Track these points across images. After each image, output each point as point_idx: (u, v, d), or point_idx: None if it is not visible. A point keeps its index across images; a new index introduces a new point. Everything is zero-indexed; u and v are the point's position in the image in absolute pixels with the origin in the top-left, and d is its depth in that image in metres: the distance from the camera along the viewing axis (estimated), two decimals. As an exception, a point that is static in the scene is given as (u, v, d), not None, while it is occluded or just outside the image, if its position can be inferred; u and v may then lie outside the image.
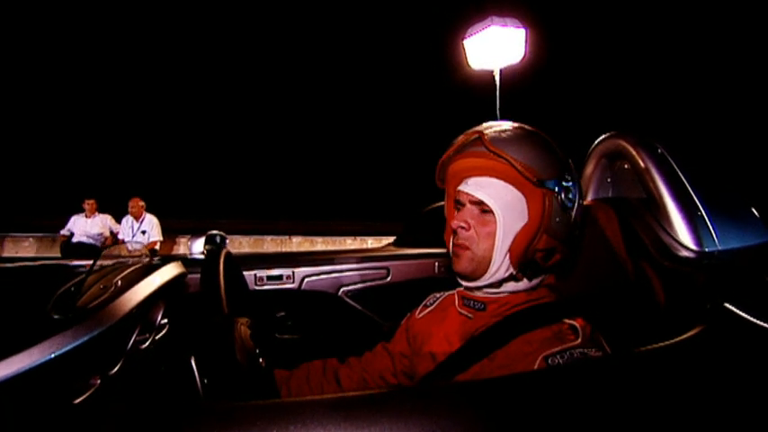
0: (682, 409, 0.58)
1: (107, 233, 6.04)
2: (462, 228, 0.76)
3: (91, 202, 6.01)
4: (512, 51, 6.50)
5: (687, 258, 0.97)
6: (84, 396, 0.71)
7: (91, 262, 1.07)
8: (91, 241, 5.88)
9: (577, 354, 0.65)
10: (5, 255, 7.01)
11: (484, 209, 0.75)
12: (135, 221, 5.82)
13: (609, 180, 1.34)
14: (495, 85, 6.89)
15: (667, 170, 1.08)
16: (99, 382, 0.76)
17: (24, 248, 7.22)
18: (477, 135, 0.75)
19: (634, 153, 1.14)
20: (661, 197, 1.07)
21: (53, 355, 0.63)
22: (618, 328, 0.79)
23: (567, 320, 0.72)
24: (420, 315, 0.95)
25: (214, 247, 1.05)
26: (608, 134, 1.25)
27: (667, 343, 0.62)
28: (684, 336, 0.63)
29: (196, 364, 0.76)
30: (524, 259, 0.74)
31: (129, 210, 5.79)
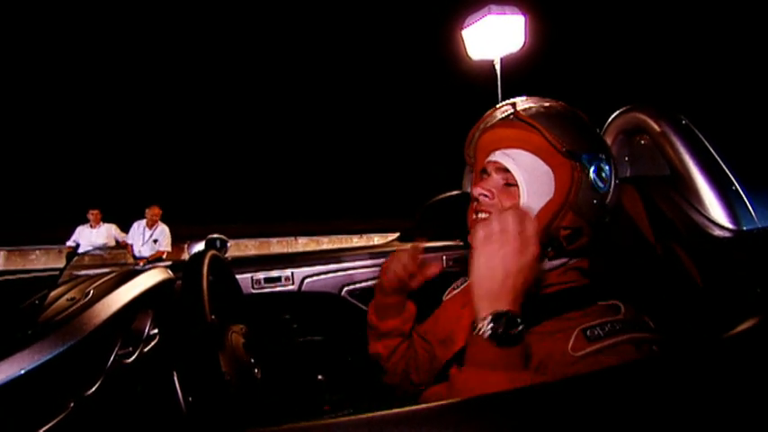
0: (744, 414, 0.49)
1: (112, 242, 6.02)
2: (485, 195, 0.72)
3: (95, 212, 6.01)
4: (511, 39, 6.36)
5: (722, 238, 0.88)
6: (51, 423, 0.63)
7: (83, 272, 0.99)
8: (97, 251, 5.86)
9: (619, 326, 0.60)
10: (12, 267, 7.03)
11: (509, 181, 0.72)
12: (147, 228, 5.77)
13: (626, 158, 1.24)
14: (497, 74, 6.75)
15: (694, 142, 0.98)
16: (72, 405, 0.68)
17: (31, 261, 7.24)
18: (509, 106, 0.74)
19: (655, 126, 1.04)
20: (688, 172, 0.97)
21: (7, 380, 0.55)
22: (655, 316, 0.70)
23: (601, 303, 0.66)
24: (447, 297, 0.93)
25: (202, 251, 0.97)
26: (624, 108, 1.15)
27: (727, 335, 0.53)
28: (741, 327, 0.53)
29: (178, 380, 0.68)
30: (545, 237, 0.68)
31: (147, 216, 5.74)
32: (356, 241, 9.41)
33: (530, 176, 0.69)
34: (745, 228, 0.89)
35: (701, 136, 0.99)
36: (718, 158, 0.97)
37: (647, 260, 0.92)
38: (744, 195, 0.92)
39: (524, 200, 0.69)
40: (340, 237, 9.86)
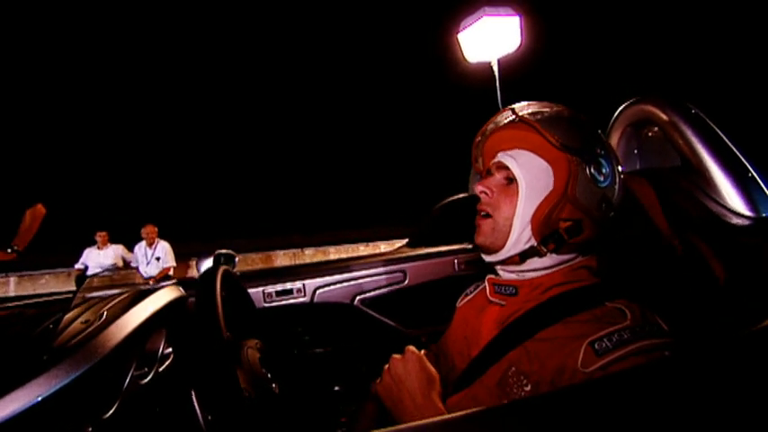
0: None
1: (120, 263, 6.04)
2: (485, 193, 0.77)
3: (102, 234, 6.03)
4: (507, 40, 6.36)
5: (741, 226, 0.86)
6: (70, 449, 0.62)
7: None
8: (105, 272, 5.88)
9: (627, 335, 0.59)
10: (23, 293, 7.07)
11: (509, 176, 0.75)
12: (148, 248, 5.81)
13: (636, 151, 1.22)
14: (495, 77, 6.75)
15: (706, 131, 0.97)
16: (90, 429, 0.67)
17: (41, 285, 7.28)
18: (510, 111, 0.77)
19: (664, 116, 1.03)
20: (701, 161, 0.95)
21: (24, 408, 0.54)
22: (674, 311, 0.68)
23: (609, 304, 0.65)
24: (460, 304, 0.92)
25: (214, 267, 0.96)
26: (631, 100, 1.14)
27: (750, 331, 0.51)
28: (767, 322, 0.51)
29: (197, 398, 0.67)
30: (546, 229, 0.71)
31: (144, 236, 5.79)
32: (363, 250, 9.40)
33: (528, 172, 0.72)
34: (765, 214, 0.87)
35: (712, 124, 0.98)
36: (732, 146, 0.95)
37: (663, 254, 0.90)
38: (761, 182, 0.90)
39: (523, 193, 0.72)
40: (346, 246, 9.84)
